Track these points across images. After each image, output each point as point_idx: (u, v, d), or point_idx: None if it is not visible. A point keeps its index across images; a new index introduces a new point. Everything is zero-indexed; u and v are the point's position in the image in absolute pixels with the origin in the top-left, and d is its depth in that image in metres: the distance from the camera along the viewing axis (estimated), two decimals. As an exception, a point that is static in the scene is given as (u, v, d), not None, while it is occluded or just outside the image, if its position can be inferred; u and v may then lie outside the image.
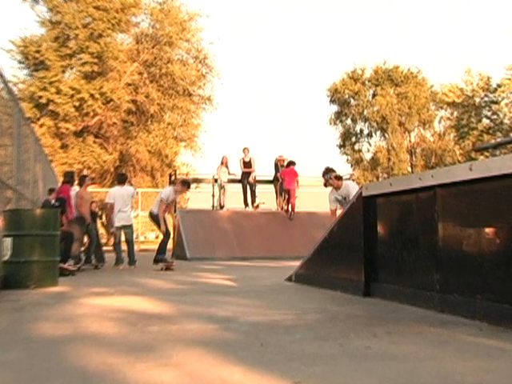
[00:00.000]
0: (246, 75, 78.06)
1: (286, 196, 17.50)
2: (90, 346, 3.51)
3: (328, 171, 10.88)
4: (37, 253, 7.67)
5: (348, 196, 9.70)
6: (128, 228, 12.45)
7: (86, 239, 12.52)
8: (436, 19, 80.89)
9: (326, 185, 11.27)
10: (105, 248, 13.57)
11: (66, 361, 3.12)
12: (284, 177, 17.46)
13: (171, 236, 13.38)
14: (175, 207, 17.04)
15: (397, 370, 2.80)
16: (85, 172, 19.86)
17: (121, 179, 13.11)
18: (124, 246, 12.59)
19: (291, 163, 17.73)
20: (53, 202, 11.40)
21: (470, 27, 77.64)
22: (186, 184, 12.61)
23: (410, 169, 44.21)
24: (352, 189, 9.92)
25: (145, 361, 3.05)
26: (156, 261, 11.56)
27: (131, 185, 13.51)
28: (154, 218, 11.86)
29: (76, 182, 12.44)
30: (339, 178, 10.86)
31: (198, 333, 3.94)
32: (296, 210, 17.58)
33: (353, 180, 19.91)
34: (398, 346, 3.43)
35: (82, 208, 11.72)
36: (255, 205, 18.44)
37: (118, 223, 12.33)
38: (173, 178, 19.40)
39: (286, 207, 17.63)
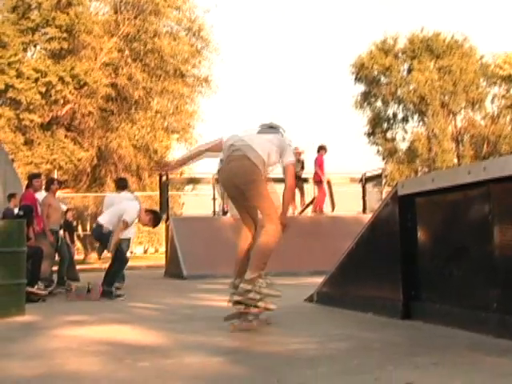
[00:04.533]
0: (251, 50, 77.22)
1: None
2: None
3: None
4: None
5: None
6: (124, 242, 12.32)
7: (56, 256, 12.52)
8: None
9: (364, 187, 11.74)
10: (80, 267, 13.59)
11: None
12: (318, 165, 17.89)
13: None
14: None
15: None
16: (55, 173, 19.90)
17: (120, 184, 12.94)
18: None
19: (321, 148, 18.11)
20: (16, 210, 11.42)
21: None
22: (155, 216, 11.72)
23: (456, 160, 44.05)
24: None
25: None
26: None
27: (132, 193, 13.40)
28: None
29: (43, 187, 12.45)
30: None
31: (199, 368, 3.96)
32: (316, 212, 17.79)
33: (385, 176, 19.98)
34: (447, 380, 3.43)
35: (51, 218, 11.74)
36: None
37: (126, 235, 11.85)
38: (164, 178, 19.42)
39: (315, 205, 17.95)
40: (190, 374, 3.79)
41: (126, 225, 10.73)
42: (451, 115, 45.28)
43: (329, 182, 18.30)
